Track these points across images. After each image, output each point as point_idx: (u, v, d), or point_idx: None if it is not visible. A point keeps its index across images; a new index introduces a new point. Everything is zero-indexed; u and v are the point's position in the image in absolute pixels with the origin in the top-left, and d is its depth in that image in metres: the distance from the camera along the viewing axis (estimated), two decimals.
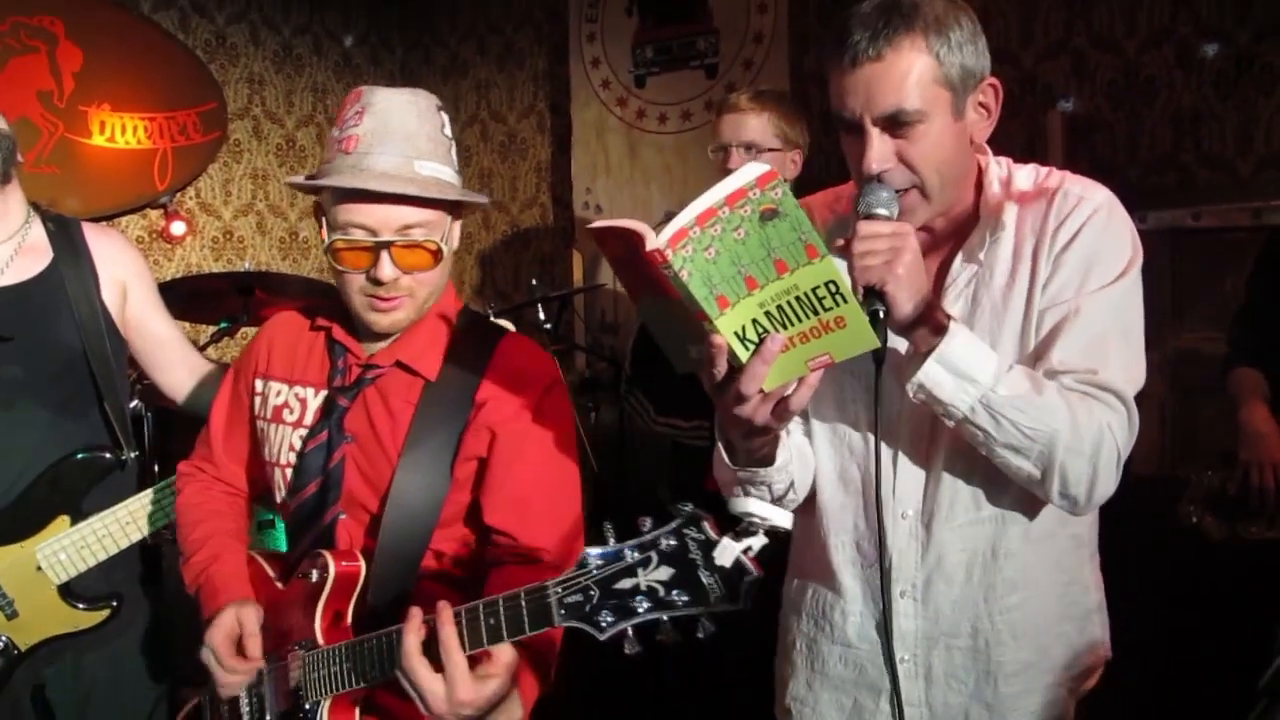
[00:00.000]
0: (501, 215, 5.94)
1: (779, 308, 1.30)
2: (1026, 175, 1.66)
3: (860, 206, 1.51)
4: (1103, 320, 1.55)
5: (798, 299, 1.29)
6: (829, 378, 1.70)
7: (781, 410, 1.40)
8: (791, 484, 1.68)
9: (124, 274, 2.39)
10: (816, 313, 1.30)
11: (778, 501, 1.69)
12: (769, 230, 1.26)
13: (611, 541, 1.33)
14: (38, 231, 2.33)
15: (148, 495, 2.30)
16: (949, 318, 1.48)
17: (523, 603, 1.40)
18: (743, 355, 1.33)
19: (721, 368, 1.35)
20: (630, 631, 1.30)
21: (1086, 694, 1.75)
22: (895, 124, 1.51)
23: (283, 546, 3.27)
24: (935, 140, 1.52)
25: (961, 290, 1.64)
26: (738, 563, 1.25)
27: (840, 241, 1.48)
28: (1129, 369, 1.56)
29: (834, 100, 1.56)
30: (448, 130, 1.82)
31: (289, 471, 1.89)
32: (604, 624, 1.31)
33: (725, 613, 1.26)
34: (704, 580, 1.26)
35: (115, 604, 2.30)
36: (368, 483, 1.84)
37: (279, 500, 1.93)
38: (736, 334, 1.32)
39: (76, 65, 4.98)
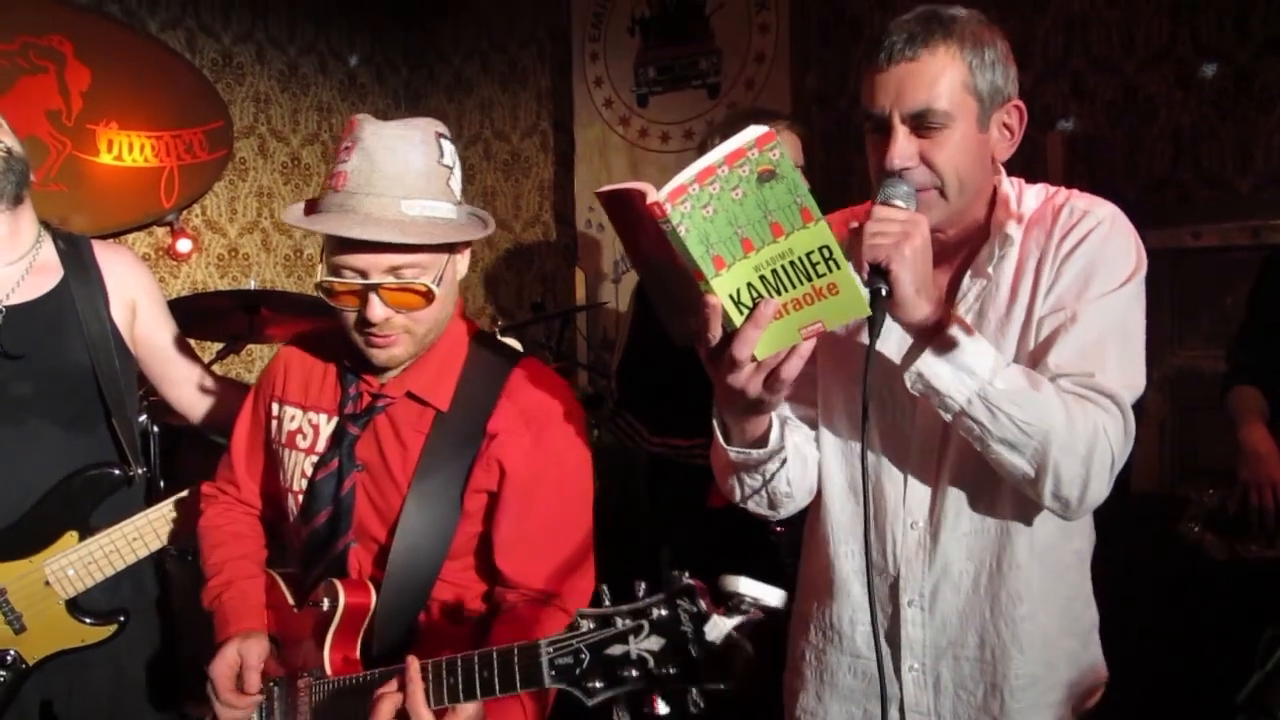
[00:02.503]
0: (504, 233, 5.97)
1: (773, 272, 1.32)
2: (1035, 194, 1.69)
3: (879, 196, 1.54)
4: (1101, 325, 1.56)
5: (792, 264, 1.31)
6: (840, 390, 1.73)
7: (774, 381, 1.41)
8: (787, 479, 1.70)
9: (133, 291, 2.41)
10: (810, 278, 1.32)
11: (774, 499, 1.72)
12: (766, 192, 1.28)
13: (606, 603, 1.31)
14: (48, 250, 2.35)
15: (154, 511, 2.31)
16: (949, 311, 1.50)
17: (515, 660, 1.39)
18: (737, 319, 1.35)
19: (716, 330, 1.37)
20: (621, 699, 1.28)
21: (1088, 713, 1.76)
22: (922, 124, 1.55)
23: None
24: (959, 146, 1.56)
25: (970, 305, 1.66)
26: (729, 639, 1.23)
27: (854, 223, 1.50)
28: (1127, 374, 1.56)
29: (864, 100, 1.60)
30: (447, 158, 1.77)
31: (301, 498, 1.88)
32: (592, 690, 1.29)
33: (714, 692, 1.24)
34: (694, 654, 1.24)
35: (122, 619, 2.31)
36: (377, 512, 1.83)
37: (292, 524, 1.93)
38: (731, 297, 1.33)
39: (85, 84, 5.03)
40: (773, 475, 1.68)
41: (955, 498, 1.68)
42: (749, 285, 1.33)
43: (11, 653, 2.22)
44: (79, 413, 2.30)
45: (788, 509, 1.78)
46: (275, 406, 1.97)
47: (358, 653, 1.77)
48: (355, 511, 1.82)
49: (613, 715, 1.29)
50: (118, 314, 2.37)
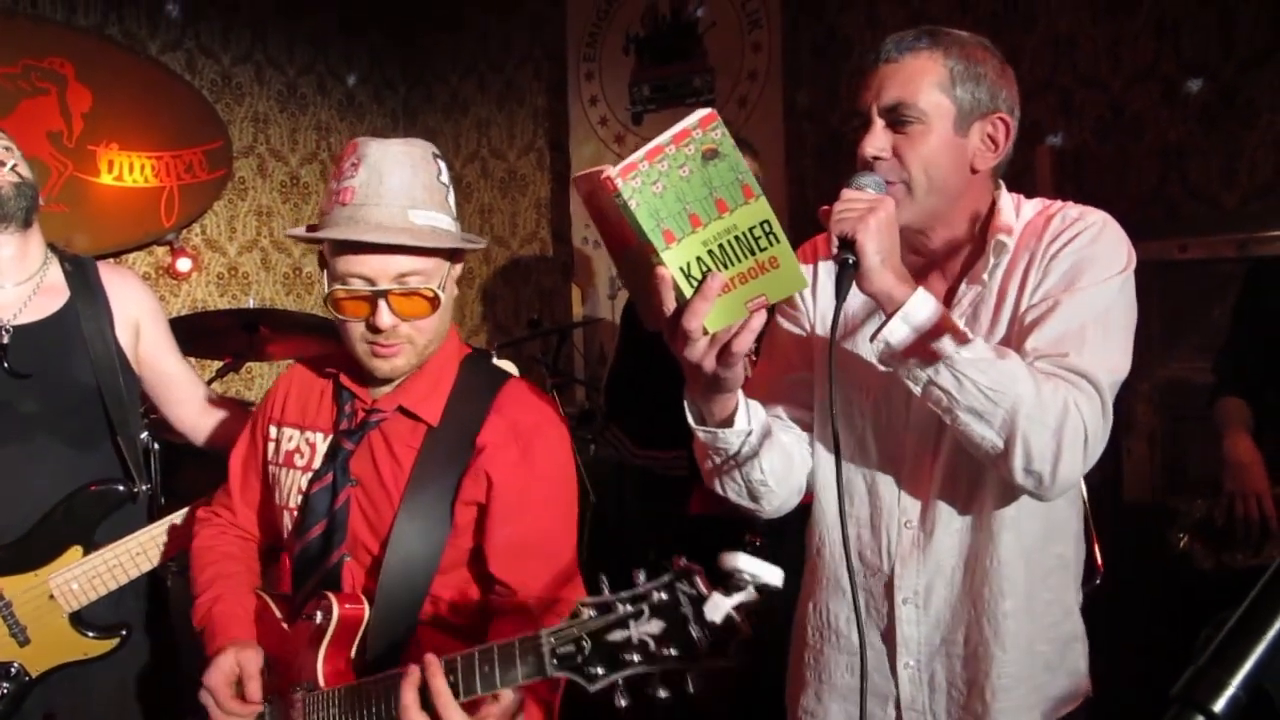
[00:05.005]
0: (502, 250, 6.02)
1: (720, 247, 1.38)
2: (1033, 206, 1.73)
3: (849, 183, 1.59)
4: (1082, 313, 1.57)
5: (736, 239, 1.37)
6: (836, 393, 1.77)
7: (726, 355, 1.45)
8: (761, 467, 1.71)
9: (137, 312, 2.46)
10: (753, 252, 1.38)
11: (751, 488, 1.74)
12: (710, 170, 1.35)
13: (606, 592, 1.33)
14: (55, 272, 2.40)
15: (158, 527, 2.35)
16: (916, 285, 1.52)
17: (516, 651, 1.41)
18: (688, 292, 1.40)
19: (670, 302, 1.41)
20: (621, 683, 1.29)
21: None
22: (897, 119, 1.61)
23: None
24: (932, 145, 1.61)
25: (965, 310, 1.69)
26: (728, 619, 1.24)
27: (824, 207, 1.56)
28: (1108, 358, 1.56)
29: (850, 100, 1.68)
30: (444, 177, 1.85)
31: (296, 514, 1.92)
32: (595, 675, 1.31)
33: (715, 669, 1.26)
34: (694, 635, 1.25)
35: (125, 633, 2.34)
36: (370, 526, 1.86)
37: (286, 542, 1.96)
38: (682, 270, 1.39)
39: (85, 106, 5.08)
40: (745, 460, 1.69)
41: (948, 497, 1.70)
42: (698, 259, 1.39)
43: (16, 665, 2.25)
44: (84, 430, 2.35)
45: (770, 504, 1.79)
46: (273, 429, 2.01)
47: (351, 665, 1.79)
48: (349, 525, 1.86)
49: (614, 700, 1.29)
50: (122, 334, 2.42)
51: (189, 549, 2.12)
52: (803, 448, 1.84)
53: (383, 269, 1.75)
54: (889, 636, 1.78)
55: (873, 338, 1.55)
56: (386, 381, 1.89)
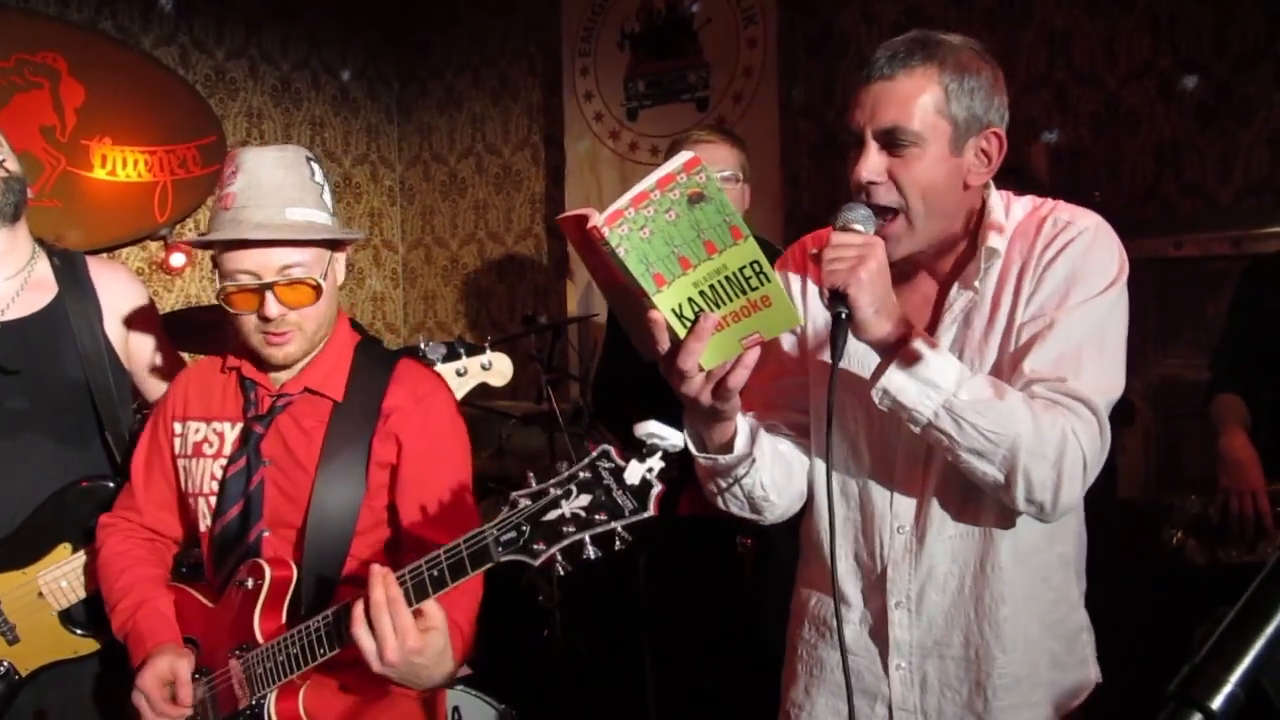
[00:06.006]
0: (496, 246, 6.01)
1: (711, 287, 1.40)
2: (1023, 206, 1.72)
3: (837, 221, 1.58)
4: (1079, 333, 1.58)
5: (727, 279, 1.39)
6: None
7: (722, 390, 1.48)
8: (761, 483, 1.74)
9: (126, 307, 2.44)
10: (744, 292, 1.40)
11: (753, 503, 1.77)
12: (697, 213, 1.36)
13: (533, 484, 1.52)
14: (43, 267, 2.39)
15: None
16: (911, 328, 1.53)
17: (463, 549, 1.58)
18: (681, 332, 1.42)
19: (664, 343, 1.44)
20: (559, 555, 1.50)
21: (1072, 714, 1.78)
22: (892, 141, 1.58)
23: None
24: (927, 168, 1.59)
25: (956, 316, 1.69)
26: (644, 479, 1.46)
27: (814, 250, 1.56)
28: (1103, 380, 1.58)
29: (846, 117, 1.65)
30: (318, 177, 1.99)
31: (212, 500, 2.03)
32: (537, 551, 1.51)
33: (638, 522, 1.47)
34: (618, 499, 1.47)
35: None
36: (289, 500, 1.98)
37: (203, 529, 2.06)
38: (674, 311, 1.41)
39: (79, 101, 5.06)
40: (745, 480, 1.72)
41: (940, 503, 1.71)
42: (690, 300, 1.40)
43: (5, 664, 2.24)
44: (73, 427, 2.33)
45: (773, 513, 1.81)
46: (178, 425, 2.13)
47: (284, 622, 1.91)
48: (266, 503, 1.99)
49: (555, 570, 1.51)
50: (111, 330, 2.41)
51: (97, 559, 2.18)
52: (801, 455, 1.86)
53: (266, 263, 1.90)
54: (880, 637, 1.79)
55: (870, 383, 1.57)
56: (285, 368, 2.03)
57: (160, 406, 2.19)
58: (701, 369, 1.45)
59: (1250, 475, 2.89)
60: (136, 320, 2.47)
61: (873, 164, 1.59)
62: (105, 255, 4.87)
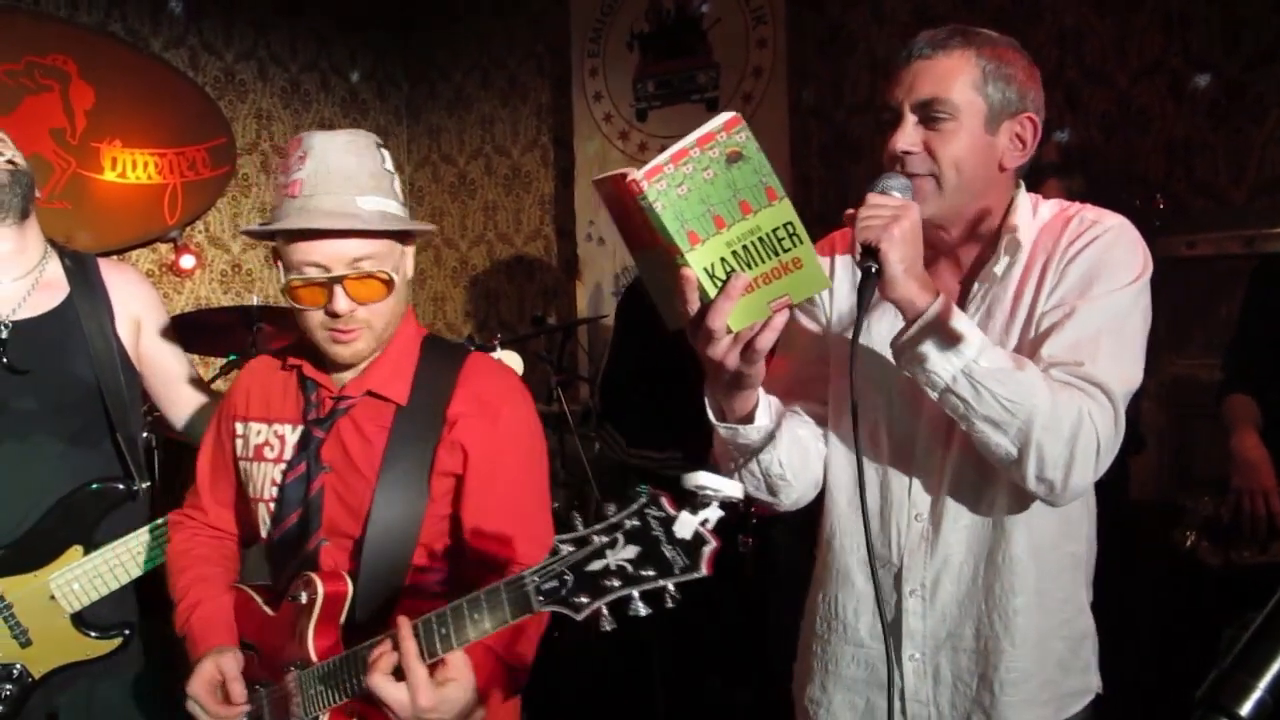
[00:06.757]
0: (506, 247, 6.01)
1: (744, 248, 1.40)
2: (1050, 207, 1.75)
3: (875, 186, 1.60)
4: (1099, 321, 1.59)
5: (760, 240, 1.39)
6: (849, 388, 1.78)
7: (750, 352, 1.48)
8: (780, 461, 1.74)
9: (138, 309, 2.44)
10: (776, 254, 1.40)
11: (770, 481, 1.77)
12: (734, 172, 1.37)
13: (579, 528, 1.41)
14: (54, 267, 2.38)
15: (159, 525, 2.33)
16: (938, 292, 1.54)
17: (503, 593, 1.48)
18: (711, 292, 1.42)
19: (694, 302, 1.43)
20: (604, 609, 1.38)
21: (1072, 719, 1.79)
22: (929, 115, 1.63)
23: None
24: (963, 142, 1.63)
25: (979, 306, 1.71)
26: (697, 534, 1.34)
27: (849, 211, 1.57)
28: (1120, 368, 1.59)
29: (883, 96, 1.70)
30: (389, 165, 1.89)
31: (272, 505, 1.95)
32: (580, 604, 1.39)
33: (689, 581, 1.35)
34: (667, 554, 1.35)
35: (127, 633, 2.33)
36: (347, 509, 1.89)
37: (264, 534, 1.99)
38: (706, 270, 1.40)
39: (89, 103, 5.08)
40: (764, 456, 1.72)
41: (957, 492, 1.73)
42: (722, 260, 1.40)
43: (18, 666, 2.24)
44: (83, 427, 2.33)
45: (788, 496, 1.81)
46: (239, 426, 2.04)
47: (340, 639, 1.83)
48: (325, 511, 1.89)
49: (599, 625, 1.38)
50: (123, 330, 2.40)
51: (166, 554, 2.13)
52: (818, 442, 1.86)
53: (336, 255, 1.78)
54: (895, 628, 1.79)
55: (893, 343, 1.57)
56: (349, 368, 1.93)
57: (224, 404, 2.11)
58: (729, 330, 1.44)
59: (1263, 475, 2.87)
60: (148, 322, 2.46)
61: (909, 135, 1.64)
62: (115, 257, 4.88)
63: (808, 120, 4.81)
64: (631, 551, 1.37)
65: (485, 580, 1.81)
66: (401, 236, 1.89)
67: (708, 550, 1.34)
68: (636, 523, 1.37)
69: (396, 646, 1.57)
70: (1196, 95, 3.84)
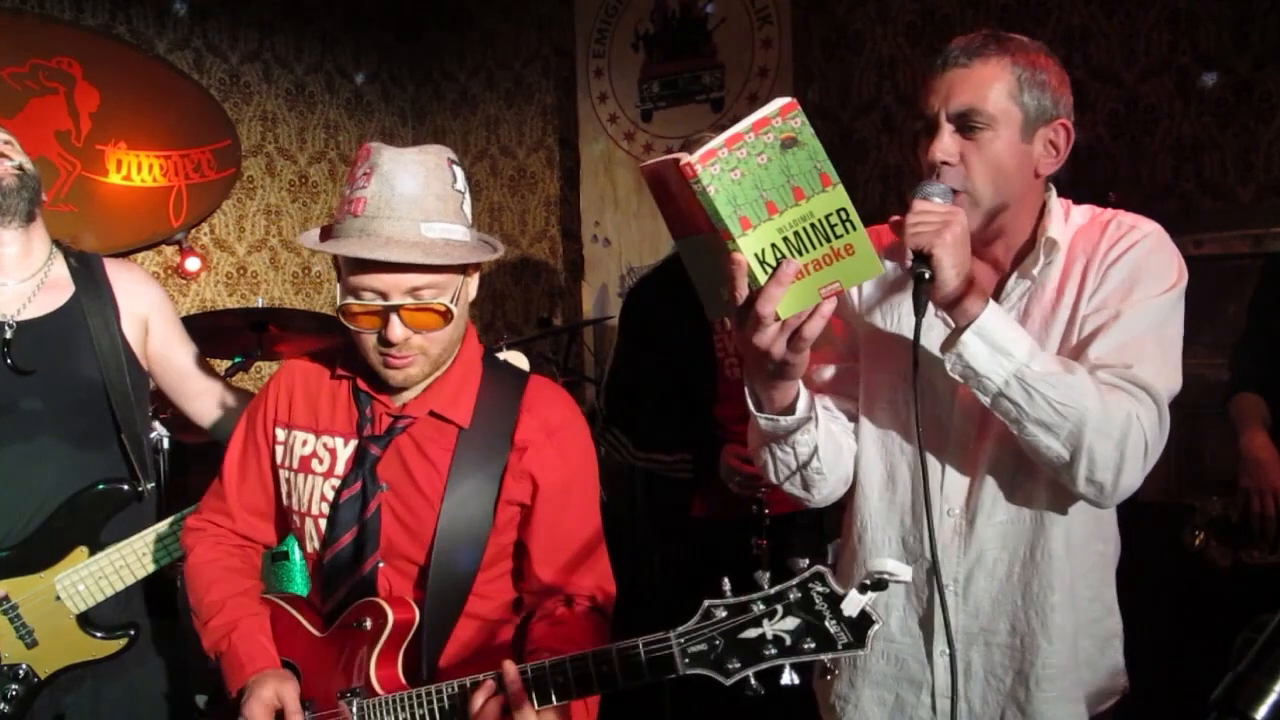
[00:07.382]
0: (511, 249, 6.00)
1: (796, 234, 1.40)
2: (1082, 212, 1.77)
3: (917, 193, 1.61)
4: (1142, 325, 1.62)
5: (812, 225, 1.39)
6: (883, 382, 1.81)
7: (797, 340, 1.48)
8: (818, 455, 1.74)
9: (145, 307, 2.44)
10: (828, 239, 1.40)
11: (805, 475, 1.77)
12: (789, 158, 1.37)
13: (728, 594, 1.43)
14: (60, 268, 2.38)
15: (165, 526, 2.33)
16: (988, 297, 1.56)
17: (641, 651, 1.48)
18: (761, 278, 1.41)
19: (743, 288, 1.43)
20: (753, 675, 1.39)
21: (1101, 716, 1.80)
22: (966, 125, 1.64)
23: (298, 580, 3.30)
24: (999, 152, 1.64)
25: (1015, 304, 1.72)
26: (863, 613, 1.37)
27: (895, 218, 1.59)
28: (1164, 372, 1.61)
29: (918, 104, 1.71)
30: (459, 184, 1.82)
31: (321, 522, 1.89)
32: (730, 670, 1.40)
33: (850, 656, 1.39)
34: (831, 629, 1.37)
35: (132, 633, 2.33)
36: (408, 530, 1.85)
37: (310, 550, 1.94)
38: (757, 256, 1.40)
39: (93, 105, 5.07)
40: (801, 448, 1.73)
41: (991, 487, 1.74)
42: (773, 246, 1.40)
43: (24, 667, 2.24)
44: (90, 428, 2.33)
45: (821, 491, 1.82)
46: (281, 432, 1.97)
47: (400, 669, 1.79)
48: (383, 532, 1.84)
49: (744, 690, 1.40)
50: (129, 330, 2.40)
51: (185, 565, 2.07)
52: (849, 437, 1.87)
53: (395, 284, 1.73)
54: (927, 623, 1.80)
55: (943, 348, 1.58)
56: (406, 386, 1.87)
57: (259, 406, 2.02)
58: (778, 317, 1.44)
59: (1271, 474, 2.85)
60: (155, 320, 2.46)
61: (946, 144, 1.64)
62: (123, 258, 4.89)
63: (813, 120, 4.79)
64: (791, 623, 1.39)
65: (547, 609, 1.82)
66: (465, 265, 1.82)
67: (873, 631, 1.37)
68: (799, 595, 1.39)
69: (501, 689, 1.57)
70: (1204, 94, 3.83)
